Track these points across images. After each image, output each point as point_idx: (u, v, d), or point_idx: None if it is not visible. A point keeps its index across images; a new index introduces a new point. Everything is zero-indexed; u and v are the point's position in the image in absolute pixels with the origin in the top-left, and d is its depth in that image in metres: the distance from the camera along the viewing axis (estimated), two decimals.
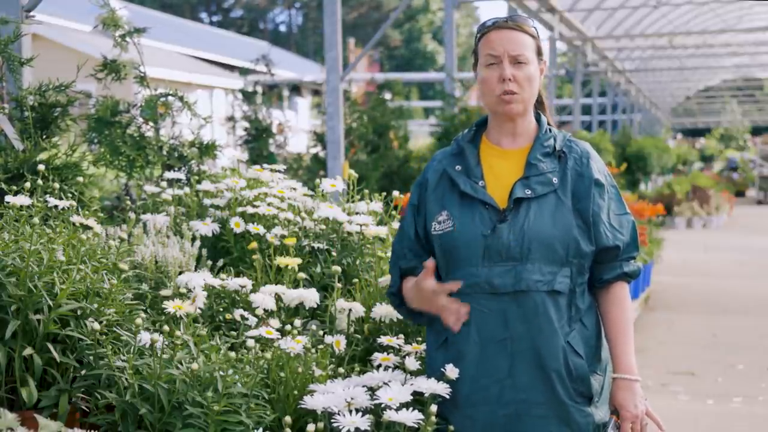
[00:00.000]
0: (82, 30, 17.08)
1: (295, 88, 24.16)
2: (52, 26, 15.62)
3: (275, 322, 2.57)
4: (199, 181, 3.53)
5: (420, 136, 17.12)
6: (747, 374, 6.44)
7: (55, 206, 2.59)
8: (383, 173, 8.73)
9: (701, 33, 19.00)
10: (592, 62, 18.94)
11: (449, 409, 2.31)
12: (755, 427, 5.30)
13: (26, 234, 2.35)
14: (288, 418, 2.20)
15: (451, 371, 2.28)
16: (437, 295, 2.31)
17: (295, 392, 2.34)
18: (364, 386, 2.30)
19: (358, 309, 2.75)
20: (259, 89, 9.71)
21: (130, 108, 4.01)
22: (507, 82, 2.32)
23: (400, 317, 2.70)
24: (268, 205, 3.20)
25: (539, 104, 2.47)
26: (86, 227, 2.53)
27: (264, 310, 2.61)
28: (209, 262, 3.00)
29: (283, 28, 51.74)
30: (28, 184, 2.58)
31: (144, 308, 2.53)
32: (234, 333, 2.53)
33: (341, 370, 2.47)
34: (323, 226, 3.26)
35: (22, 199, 2.47)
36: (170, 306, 2.39)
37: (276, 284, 2.83)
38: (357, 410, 2.20)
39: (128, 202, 3.75)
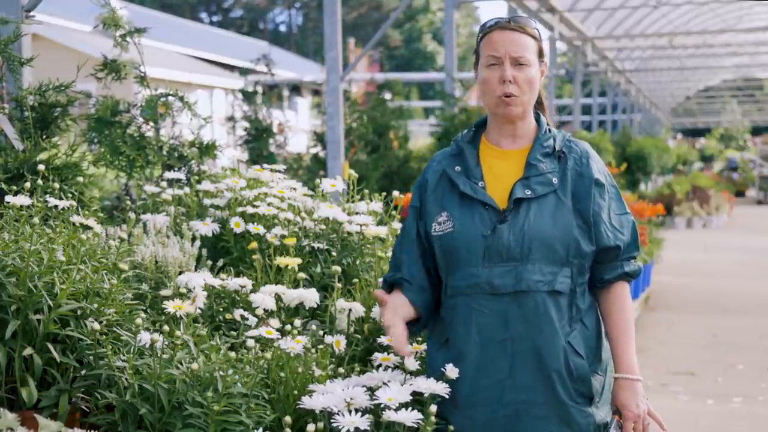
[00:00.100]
0: (82, 30, 17.09)
1: (295, 88, 24.16)
2: (52, 26, 15.62)
3: (275, 322, 2.57)
4: (199, 181, 3.54)
5: (420, 136, 17.12)
6: (747, 374, 6.44)
7: (55, 206, 2.59)
8: (383, 173, 8.73)
9: (701, 33, 19.00)
10: (592, 62, 18.93)
11: (449, 410, 2.31)
12: (755, 427, 5.30)
13: (26, 234, 2.35)
14: (288, 418, 2.20)
15: (451, 371, 2.28)
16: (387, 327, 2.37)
17: (295, 392, 2.34)
18: (363, 386, 2.30)
19: (358, 309, 2.75)
20: (260, 89, 9.71)
21: (130, 108, 4.01)
22: (507, 83, 2.32)
23: None
24: (268, 205, 3.20)
25: (539, 105, 2.47)
26: (86, 227, 2.53)
27: (264, 310, 2.61)
28: (209, 262, 3.00)
29: (283, 28, 51.75)
30: (28, 184, 2.58)
31: (144, 308, 2.53)
32: (234, 333, 2.54)
33: (341, 370, 2.47)
34: (323, 226, 3.26)
35: (22, 199, 2.47)
36: (170, 306, 2.39)
37: (276, 284, 2.83)
38: (356, 410, 2.20)
39: (128, 202, 3.75)
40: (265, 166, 3.54)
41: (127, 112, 4.00)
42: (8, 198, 2.46)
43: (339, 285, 2.81)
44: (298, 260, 2.88)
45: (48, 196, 2.61)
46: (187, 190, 3.48)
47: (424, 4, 44.80)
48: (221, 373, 2.15)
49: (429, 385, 2.26)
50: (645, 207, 10.33)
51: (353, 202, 3.43)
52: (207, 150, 4.01)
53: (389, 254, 3.02)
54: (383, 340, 2.61)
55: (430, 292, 2.44)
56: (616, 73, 22.50)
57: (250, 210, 3.17)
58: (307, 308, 2.74)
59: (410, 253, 2.45)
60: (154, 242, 2.89)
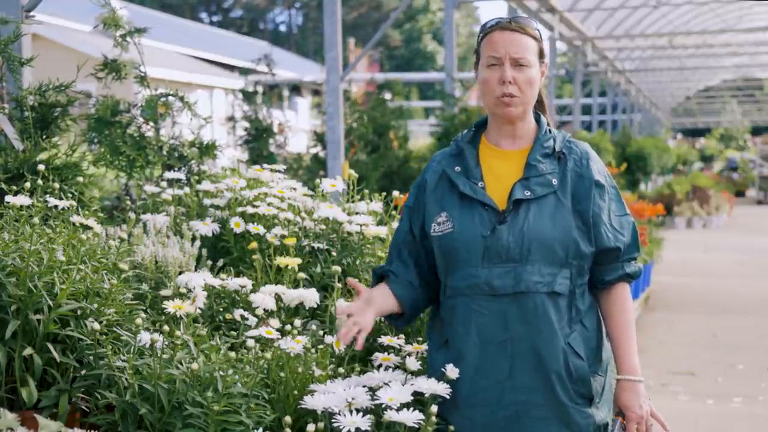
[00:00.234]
0: (82, 30, 17.08)
1: (295, 88, 24.15)
2: (52, 26, 15.62)
3: (275, 322, 2.56)
4: (199, 181, 3.53)
5: (420, 136, 17.12)
6: (747, 374, 6.44)
7: (55, 206, 2.59)
8: (383, 173, 8.73)
9: (701, 33, 19.00)
10: (592, 62, 18.93)
11: (449, 410, 2.31)
12: (755, 427, 5.30)
13: (26, 234, 2.35)
14: (288, 418, 2.20)
15: (452, 371, 2.28)
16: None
17: (295, 392, 2.34)
18: (364, 386, 2.30)
19: None
20: (260, 89, 9.71)
21: (130, 108, 4.01)
22: (507, 84, 2.31)
23: None
24: (268, 205, 3.20)
25: (539, 105, 2.46)
26: (86, 227, 2.53)
27: (264, 310, 2.61)
28: (209, 262, 3.00)
29: (283, 28, 51.74)
30: (28, 184, 2.58)
31: (144, 308, 2.53)
32: (234, 333, 2.53)
33: (341, 370, 2.47)
34: (323, 226, 3.25)
35: (22, 199, 2.47)
36: (170, 306, 2.38)
37: (276, 284, 2.83)
38: (357, 410, 2.20)
39: (128, 202, 3.75)
40: (265, 166, 3.54)
41: (127, 112, 4.00)
42: (8, 198, 2.46)
43: (339, 285, 2.81)
44: (298, 260, 2.88)
45: (48, 196, 2.61)
46: (187, 190, 3.48)
47: (424, 4, 44.80)
48: (221, 373, 2.15)
49: (430, 386, 2.26)
50: (645, 207, 10.33)
51: (353, 202, 3.43)
52: (207, 150, 4.01)
53: None
54: (383, 340, 2.61)
55: (419, 290, 2.44)
56: (616, 73, 22.50)
57: (250, 210, 3.17)
58: (307, 308, 2.74)
59: (400, 250, 2.46)
60: (154, 242, 2.89)
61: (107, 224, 3.09)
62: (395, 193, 3.43)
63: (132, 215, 3.13)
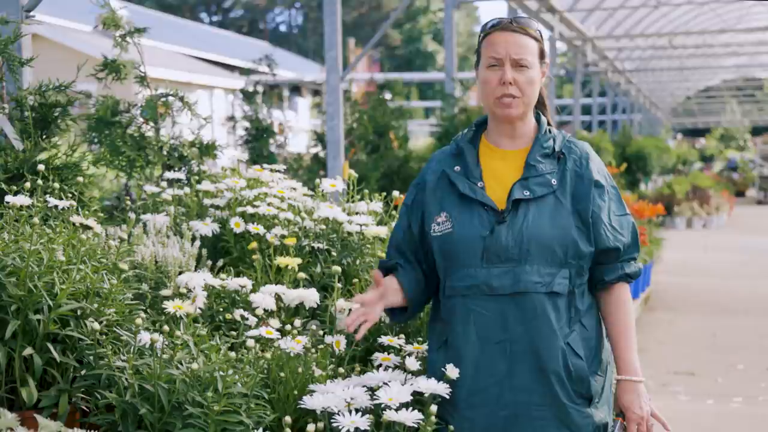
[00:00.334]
0: (82, 30, 17.09)
1: (296, 88, 24.15)
2: (52, 26, 15.62)
3: (275, 322, 2.57)
4: (199, 181, 3.54)
5: (420, 136, 17.12)
6: (747, 374, 6.44)
7: (55, 206, 2.59)
8: (383, 173, 8.73)
9: (701, 33, 18.99)
10: (592, 62, 18.92)
11: (448, 411, 2.31)
12: (755, 427, 5.30)
13: (26, 234, 2.35)
14: (288, 418, 2.20)
15: (451, 371, 2.28)
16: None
17: (295, 392, 2.34)
18: (364, 386, 2.30)
19: None
20: (260, 89, 9.70)
21: (130, 108, 4.01)
22: (507, 85, 2.31)
23: None
24: (268, 205, 3.20)
25: (540, 105, 2.46)
26: (86, 227, 2.53)
27: (264, 310, 2.61)
28: (209, 262, 3.00)
29: (283, 28, 51.72)
30: (28, 184, 2.58)
31: (144, 308, 2.53)
32: (234, 333, 2.53)
33: (341, 370, 2.47)
34: (323, 226, 3.26)
35: (22, 199, 2.47)
36: (170, 306, 2.39)
37: (276, 284, 2.83)
38: (357, 410, 2.20)
39: (128, 202, 3.75)
40: (265, 166, 3.54)
41: (127, 112, 4.00)
42: (8, 198, 2.46)
43: (339, 285, 2.81)
44: (298, 260, 2.88)
45: (48, 196, 2.61)
46: (187, 190, 3.48)
47: (424, 4, 44.77)
48: (221, 373, 2.15)
49: (429, 385, 2.26)
50: (645, 207, 10.32)
51: (353, 202, 3.43)
52: (207, 150, 4.01)
53: None
54: (383, 340, 2.61)
55: (423, 287, 2.44)
56: (616, 73, 22.49)
57: (250, 210, 3.17)
58: (307, 308, 2.74)
59: (401, 249, 2.47)
60: (154, 242, 2.89)
61: (107, 224, 3.10)
62: (395, 193, 3.43)
63: (132, 215, 3.13)
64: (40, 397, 2.20)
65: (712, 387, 6.10)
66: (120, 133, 3.89)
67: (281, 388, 2.36)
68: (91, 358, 2.23)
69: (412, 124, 13.64)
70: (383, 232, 3.16)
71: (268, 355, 2.31)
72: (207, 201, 3.35)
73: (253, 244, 2.96)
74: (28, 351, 2.20)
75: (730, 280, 10.58)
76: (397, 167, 9.07)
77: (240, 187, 3.31)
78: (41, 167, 2.70)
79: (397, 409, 2.18)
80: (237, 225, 3.10)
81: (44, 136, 3.31)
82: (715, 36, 19.76)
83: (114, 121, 3.93)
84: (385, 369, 2.48)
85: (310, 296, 2.71)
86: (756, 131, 36.55)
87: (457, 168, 2.39)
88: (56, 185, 2.70)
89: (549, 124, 2.44)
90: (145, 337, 2.23)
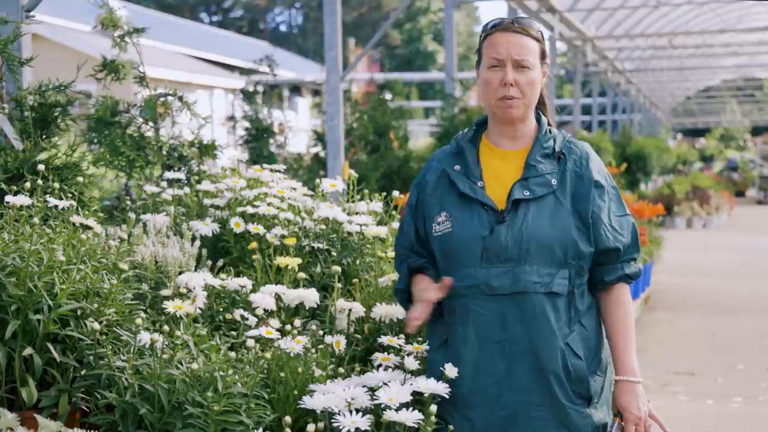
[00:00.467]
0: (82, 30, 17.08)
1: (296, 88, 24.15)
2: (52, 26, 15.62)
3: (275, 322, 2.57)
4: (199, 181, 3.54)
5: (420, 136, 17.12)
6: (747, 374, 6.44)
7: (55, 206, 2.59)
8: (383, 173, 8.73)
9: (701, 33, 18.99)
10: (592, 62, 18.92)
11: (448, 411, 2.31)
12: (755, 427, 5.30)
13: (26, 234, 2.35)
14: (288, 418, 2.20)
15: (451, 370, 2.28)
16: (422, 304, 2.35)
17: (295, 392, 2.34)
18: (364, 386, 2.30)
19: (358, 309, 2.75)
20: (260, 89, 9.71)
21: (129, 108, 4.01)
22: (509, 86, 2.31)
23: (400, 317, 2.71)
24: (268, 205, 3.20)
25: (541, 105, 2.46)
26: (86, 227, 2.53)
27: (264, 310, 2.61)
28: (209, 262, 3.00)
29: (283, 28, 51.72)
30: (28, 184, 2.58)
31: (144, 308, 2.53)
32: (234, 333, 2.53)
33: (341, 370, 2.47)
34: (323, 226, 3.26)
35: (22, 199, 2.47)
36: (170, 306, 2.39)
37: (276, 284, 2.83)
38: (357, 410, 2.20)
39: (128, 202, 3.75)
40: (265, 166, 3.54)
41: (126, 112, 4.00)
42: (8, 198, 2.46)
43: (339, 285, 2.81)
44: (298, 260, 2.88)
45: (48, 196, 2.61)
46: (187, 190, 3.48)
47: (425, 4, 44.77)
48: (221, 373, 2.15)
49: (429, 385, 2.26)
50: (645, 207, 10.32)
51: (353, 202, 3.43)
52: (207, 150, 4.01)
53: (389, 254, 3.02)
54: (383, 340, 2.61)
55: None
56: (616, 73, 22.49)
57: (250, 210, 3.17)
58: (307, 308, 2.74)
59: (414, 249, 2.46)
60: (154, 242, 2.89)
61: (107, 224, 3.10)
62: (395, 193, 3.44)
63: (132, 215, 3.13)
64: (40, 397, 2.20)
65: (712, 387, 6.10)
66: (119, 134, 3.89)
67: (281, 388, 2.36)
68: (91, 358, 2.23)
69: (412, 124, 13.64)
70: (383, 232, 3.16)
71: (268, 355, 2.31)
72: (207, 201, 3.35)
73: (253, 244, 2.96)
74: (28, 351, 2.20)
75: (730, 280, 10.58)
76: (397, 167, 9.07)
77: (240, 187, 3.31)
78: (41, 167, 2.70)
79: (397, 409, 2.18)
80: (237, 225, 3.10)
81: (44, 136, 3.31)
82: (715, 36, 19.76)
83: (113, 122, 3.93)
84: (385, 369, 2.48)
85: (310, 296, 2.71)
86: (756, 131, 36.54)
87: (457, 167, 2.39)
88: (56, 185, 2.70)
89: (549, 124, 2.44)
90: (145, 337, 2.23)
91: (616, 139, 19.61)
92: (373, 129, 9.07)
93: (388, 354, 2.57)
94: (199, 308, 2.49)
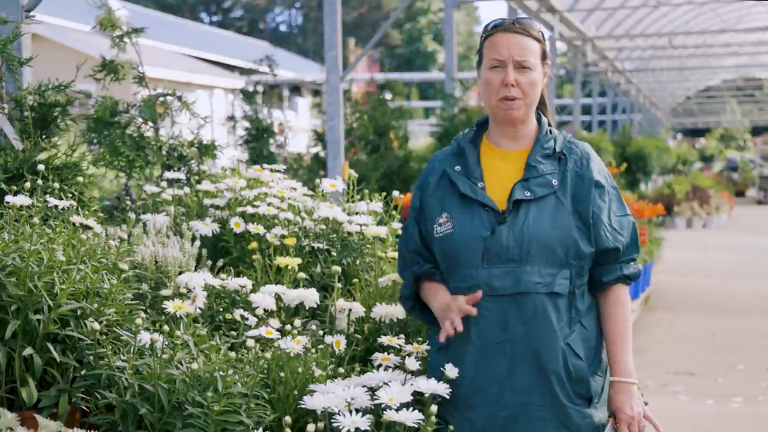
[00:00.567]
0: (82, 30, 17.08)
1: (296, 88, 24.15)
2: (52, 26, 15.62)
3: (275, 322, 2.57)
4: (199, 181, 3.54)
5: (420, 136, 17.12)
6: (747, 374, 6.44)
7: (55, 206, 2.59)
8: (383, 173, 8.73)
9: (701, 33, 18.98)
10: (592, 62, 18.91)
11: (448, 411, 2.31)
12: (755, 427, 5.30)
13: (26, 234, 2.35)
14: (288, 418, 2.20)
15: (451, 370, 2.28)
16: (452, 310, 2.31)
17: (295, 392, 2.34)
18: (364, 386, 2.30)
19: (358, 309, 2.75)
20: (260, 89, 9.71)
21: (129, 108, 4.01)
22: (510, 87, 2.31)
23: (400, 317, 2.71)
24: (268, 205, 3.20)
25: (541, 105, 2.46)
26: (86, 227, 2.53)
27: (264, 310, 2.61)
28: (209, 262, 3.00)
29: (283, 28, 51.72)
30: (28, 184, 2.58)
31: (144, 308, 2.53)
32: (234, 333, 2.53)
33: (341, 370, 2.47)
34: (323, 226, 3.26)
35: (22, 199, 2.47)
36: (170, 306, 2.39)
37: (276, 284, 2.83)
38: (357, 410, 2.20)
39: (128, 202, 3.75)
40: (265, 166, 3.54)
41: (126, 112, 4.00)
42: (8, 198, 2.46)
43: (339, 285, 2.81)
44: (298, 260, 2.88)
45: (48, 196, 2.61)
46: (187, 190, 3.48)
47: (425, 4, 44.77)
48: (221, 373, 2.15)
49: (430, 385, 2.26)
50: (645, 207, 10.31)
51: (353, 202, 3.43)
52: (206, 150, 4.01)
53: (389, 254, 3.02)
54: (383, 340, 2.61)
55: None
56: (616, 73, 22.49)
57: (250, 210, 3.17)
58: (307, 308, 2.74)
59: (420, 252, 2.45)
60: (154, 242, 2.89)
61: (107, 224, 3.10)
62: (395, 193, 3.44)
63: (132, 215, 3.13)
64: (40, 397, 2.20)
65: (712, 387, 6.10)
66: (119, 134, 3.89)
67: (281, 388, 2.36)
68: (91, 358, 2.23)
69: (412, 124, 13.64)
70: (383, 232, 3.16)
71: (268, 355, 2.30)
72: (207, 201, 3.35)
73: (253, 244, 2.96)
74: (28, 351, 2.20)
75: (730, 280, 10.58)
76: (397, 167, 9.07)
77: (240, 187, 3.31)
78: (41, 167, 2.70)
79: (397, 410, 2.18)
80: (237, 225, 3.10)
81: (44, 136, 3.31)
82: (715, 36, 19.76)
83: (113, 122, 3.93)
84: (385, 369, 2.48)
85: (310, 296, 2.71)
86: (756, 131, 36.54)
87: (458, 167, 2.39)
88: (56, 185, 2.69)
89: (549, 124, 2.44)
90: (145, 337, 2.23)
91: (616, 139, 19.61)
92: (373, 129, 9.07)
93: (388, 354, 2.57)
94: (199, 308, 2.49)
